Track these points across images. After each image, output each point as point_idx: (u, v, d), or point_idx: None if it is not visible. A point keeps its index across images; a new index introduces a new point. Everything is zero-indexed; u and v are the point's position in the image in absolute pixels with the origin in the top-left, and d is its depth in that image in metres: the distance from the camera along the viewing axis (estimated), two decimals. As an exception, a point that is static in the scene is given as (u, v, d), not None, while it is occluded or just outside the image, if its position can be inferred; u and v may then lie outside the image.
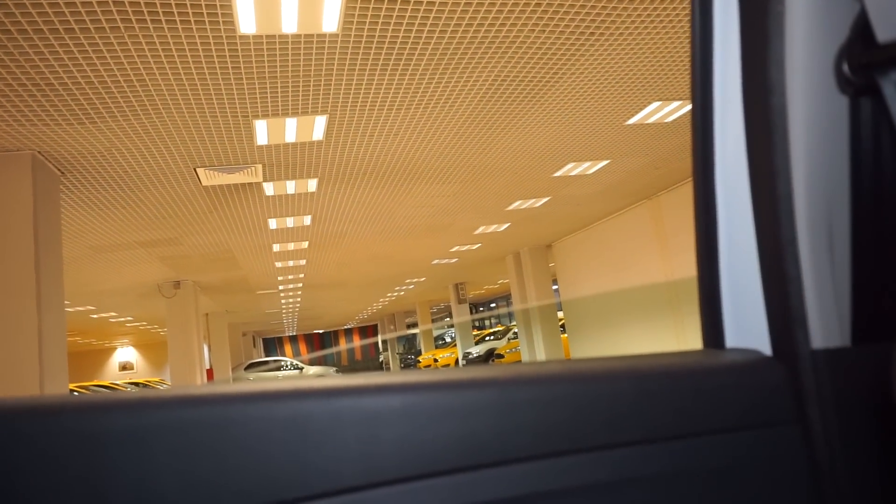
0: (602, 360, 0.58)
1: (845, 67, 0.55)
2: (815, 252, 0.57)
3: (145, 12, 3.15)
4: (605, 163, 7.24)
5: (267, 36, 3.52)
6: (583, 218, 10.79)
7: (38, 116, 4.14)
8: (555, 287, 13.28)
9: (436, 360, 20.90)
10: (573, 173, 7.50)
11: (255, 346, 30.65)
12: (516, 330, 16.24)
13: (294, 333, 38.12)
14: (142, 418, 0.44)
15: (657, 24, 4.00)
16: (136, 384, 17.81)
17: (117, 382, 17.52)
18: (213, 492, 0.44)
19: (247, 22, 3.35)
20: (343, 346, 39.66)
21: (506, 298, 29.62)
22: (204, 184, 6.02)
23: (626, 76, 4.79)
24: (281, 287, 14.60)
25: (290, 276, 13.06)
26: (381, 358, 34.38)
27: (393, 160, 6.08)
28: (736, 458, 0.55)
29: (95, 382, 16.40)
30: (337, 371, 21.80)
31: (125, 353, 27.76)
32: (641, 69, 4.69)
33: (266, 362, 19.45)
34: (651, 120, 5.89)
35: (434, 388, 0.50)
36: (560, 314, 13.60)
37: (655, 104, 5.47)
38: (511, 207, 9.01)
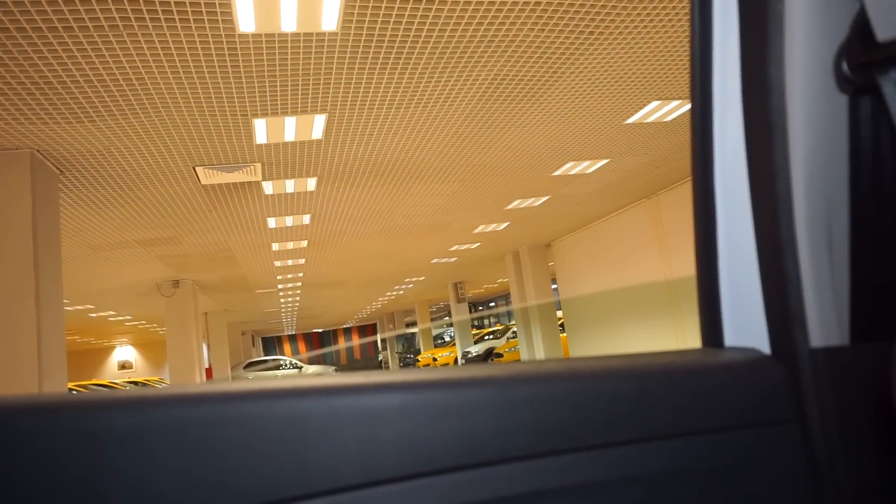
0: (601, 358, 0.58)
1: (845, 66, 0.55)
2: (814, 251, 0.57)
3: (144, 11, 3.14)
4: (604, 162, 7.24)
5: (266, 34, 3.52)
6: (582, 217, 10.79)
7: (37, 115, 4.13)
8: (554, 286, 13.28)
9: (435, 359, 20.92)
10: (572, 172, 7.50)
11: (254, 345, 30.64)
12: (515, 329, 16.24)
13: (293, 332, 38.12)
14: (141, 417, 0.44)
15: (656, 23, 4.00)
16: (135, 383, 17.79)
17: (116, 381, 17.52)
18: (212, 490, 0.44)
19: (246, 20, 3.34)
20: (342, 345, 39.66)
21: (505, 297, 29.63)
22: (203, 182, 6.01)
23: (626, 75, 4.79)
24: (280, 286, 14.59)
25: (289, 275, 13.06)
26: (381, 357, 34.39)
27: (392, 159, 6.08)
28: (735, 457, 0.55)
29: (94, 381, 16.40)
30: (336, 370, 21.79)
31: (124, 352, 27.75)
32: (641, 68, 4.69)
33: (265, 361, 19.44)
34: (650, 119, 5.90)
35: (433, 387, 0.50)
36: (559, 313, 13.61)
37: (655, 103, 5.47)
38: (510, 206, 9.01)
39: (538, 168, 7.09)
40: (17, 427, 0.42)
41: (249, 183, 6.24)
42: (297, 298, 17.87)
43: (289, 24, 3.42)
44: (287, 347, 38.93)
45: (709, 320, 0.66)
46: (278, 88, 4.20)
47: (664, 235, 9.54)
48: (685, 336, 9.29)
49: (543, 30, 3.89)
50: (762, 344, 0.61)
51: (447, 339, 30.96)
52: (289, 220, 8.06)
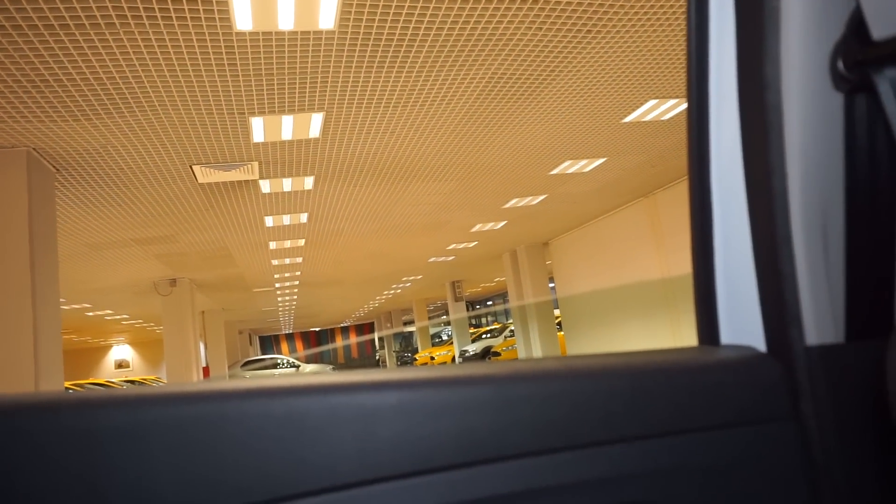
0: (598, 356, 0.58)
1: (840, 64, 0.55)
2: (809, 249, 0.57)
3: (141, 8, 3.14)
4: (601, 161, 7.24)
5: (263, 33, 3.51)
6: (579, 216, 10.80)
7: (33, 113, 4.12)
8: (551, 285, 13.29)
9: (432, 358, 20.92)
10: (570, 171, 7.51)
11: (251, 343, 30.62)
12: (513, 328, 16.25)
13: (290, 331, 38.09)
14: (139, 415, 0.44)
15: (654, 21, 4.01)
16: (132, 382, 17.77)
17: (113, 380, 17.49)
18: (209, 488, 0.44)
19: (243, 18, 3.34)
20: (340, 343, 39.64)
21: (502, 296, 29.64)
22: (200, 181, 6.00)
23: (623, 74, 4.79)
24: (277, 285, 14.58)
25: (286, 274, 13.04)
26: (378, 355, 34.37)
27: (389, 158, 6.08)
28: (731, 455, 0.55)
29: (91, 380, 16.37)
30: (333, 368, 21.78)
31: (121, 350, 27.70)
32: (638, 67, 4.69)
33: (262, 360, 19.42)
34: (648, 118, 5.90)
35: (430, 385, 0.51)
36: (556, 312, 13.62)
37: (652, 102, 5.48)
38: (508, 205, 9.01)
39: (535, 167, 7.09)
40: (15, 425, 0.42)
41: (246, 182, 6.23)
42: (295, 297, 17.86)
43: (286, 22, 3.42)
44: (284, 346, 38.90)
45: (705, 318, 0.66)
46: (275, 87, 4.19)
47: (661, 234, 9.56)
48: (682, 334, 9.31)
49: (541, 28, 3.89)
50: (758, 342, 0.62)
51: (445, 337, 30.96)
52: (286, 219, 8.06)
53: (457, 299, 18.70)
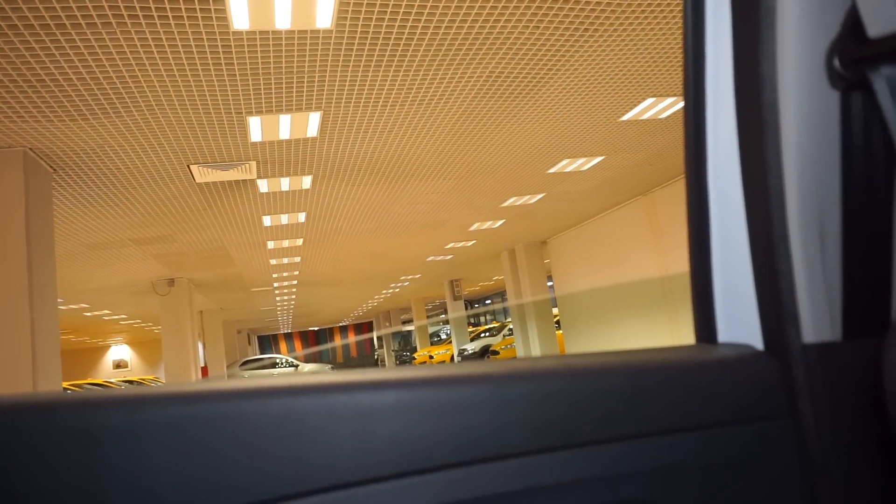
0: (596, 355, 0.59)
1: (836, 62, 0.55)
2: (806, 247, 0.57)
3: (138, 8, 3.13)
4: (599, 159, 7.25)
5: (260, 32, 3.51)
6: (577, 214, 10.81)
7: (30, 113, 4.11)
8: (550, 283, 13.30)
9: (431, 357, 20.92)
10: (568, 170, 7.51)
11: (249, 343, 30.59)
12: (511, 326, 16.25)
13: (289, 331, 38.06)
14: (137, 415, 0.44)
15: (651, 20, 4.01)
16: (130, 382, 17.75)
17: (111, 380, 17.47)
18: (208, 487, 0.44)
19: (240, 18, 3.33)
20: (338, 342, 39.63)
21: (501, 295, 29.66)
22: (198, 181, 5.99)
23: (621, 72, 4.79)
24: (276, 284, 14.57)
25: (284, 274, 13.03)
26: (377, 355, 34.37)
27: (387, 157, 6.08)
28: (729, 453, 0.56)
29: (89, 380, 16.34)
30: (332, 368, 21.77)
31: (119, 350, 27.66)
32: (635, 65, 4.70)
33: (261, 359, 19.41)
34: (645, 116, 5.90)
35: (429, 384, 0.51)
36: (555, 310, 13.63)
37: (650, 100, 5.48)
38: (506, 204, 9.02)
39: (533, 165, 7.09)
40: (13, 425, 0.42)
41: (244, 181, 6.22)
42: (293, 296, 17.85)
43: (283, 21, 3.41)
44: (283, 345, 38.88)
45: (702, 316, 0.66)
46: (273, 86, 4.19)
47: (659, 232, 9.57)
48: (680, 332, 9.32)
49: (538, 27, 3.89)
50: (755, 340, 0.62)
51: (443, 336, 30.97)
52: (284, 219, 8.05)
53: (455, 298, 18.70)
